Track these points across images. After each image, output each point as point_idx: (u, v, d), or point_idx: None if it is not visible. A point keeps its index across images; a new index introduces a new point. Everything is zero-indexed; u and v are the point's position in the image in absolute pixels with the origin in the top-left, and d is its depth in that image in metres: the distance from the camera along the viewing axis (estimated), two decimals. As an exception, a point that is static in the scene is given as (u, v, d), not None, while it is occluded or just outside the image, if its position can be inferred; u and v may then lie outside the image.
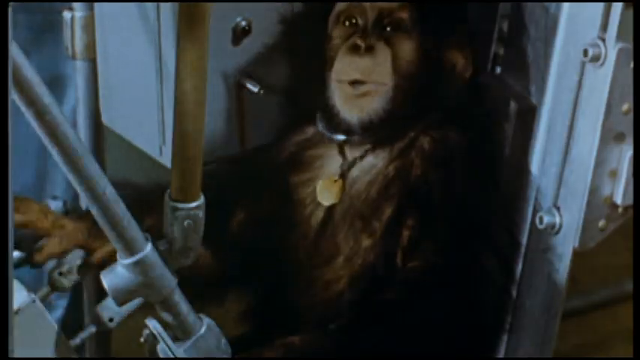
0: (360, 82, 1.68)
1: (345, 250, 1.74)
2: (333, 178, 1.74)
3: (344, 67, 1.68)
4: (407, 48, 1.70)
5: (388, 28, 1.69)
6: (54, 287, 1.76)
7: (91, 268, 1.76)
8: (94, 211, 1.39)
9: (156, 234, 1.48)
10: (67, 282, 1.76)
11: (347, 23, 1.72)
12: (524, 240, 1.79)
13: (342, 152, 1.76)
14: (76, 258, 1.76)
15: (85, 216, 1.74)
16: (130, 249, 1.44)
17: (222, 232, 1.81)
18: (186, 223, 1.48)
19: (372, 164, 1.73)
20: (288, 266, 1.80)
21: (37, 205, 1.73)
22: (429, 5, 1.70)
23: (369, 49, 1.67)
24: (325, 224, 1.76)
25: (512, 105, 1.75)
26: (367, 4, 1.69)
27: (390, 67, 1.68)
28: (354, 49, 1.67)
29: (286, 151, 1.82)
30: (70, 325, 2.12)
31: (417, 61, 1.70)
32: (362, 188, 1.73)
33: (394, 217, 1.69)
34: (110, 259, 1.67)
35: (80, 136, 1.38)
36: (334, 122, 1.73)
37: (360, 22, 1.71)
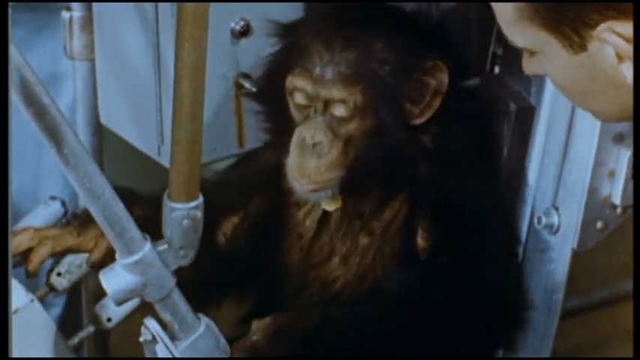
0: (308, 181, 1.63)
1: (341, 250, 1.74)
2: None
3: (293, 167, 1.63)
4: (357, 133, 1.62)
5: (335, 118, 1.61)
6: (52, 288, 1.76)
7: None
8: (93, 211, 1.39)
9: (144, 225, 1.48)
10: (65, 282, 1.76)
11: (298, 104, 1.65)
12: (522, 239, 1.79)
13: None
14: (74, 259, 1.76)
15: (73, 219, 1.73)
16: (129, 249, 1.44)
17: (217, 235, 1.82)
18: (184, 223, 1.48)
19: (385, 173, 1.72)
20: (285, 267, 1.80)
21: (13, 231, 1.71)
22: (378, 80, 1.61)
23: (316, 146, 1.61)
24: (322, 224, 1.76)
25: (512, 105, 1.75)
26: (312, 90, 1.61)
27: (337, 161, 1.62)
28: (303, 146, 1.61)
29: (281, 152, 1.81)
30: (68, 324, 2.12)
31: (371, 140, 1.62)
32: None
33: (400, 217, 1.69)
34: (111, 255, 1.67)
35: (79, 136, 1.37)
36: None
37: (309, 105, 1.64)
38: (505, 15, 1.30)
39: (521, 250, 1.80)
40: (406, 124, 1.63)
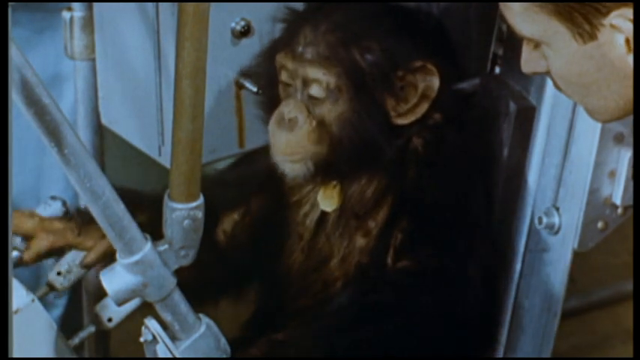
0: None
1: (340, 251, 1.74)
2: (332, 184, 1.74)
3: (272, 140, 1.68)
4: (332, 116, 1.65)
5: (312, 98, 1.65)
6: (52, 287, 1.76)
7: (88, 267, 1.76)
8: (94, 211, 1.39)
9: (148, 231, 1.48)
10: (65, 282, 1.76)
11: (282, 81, 1.69)
12: (521, 242, 1.79)
13: None
14: (74, 258, 1.76)
15: (77, 216, 1.75)
16: (130, 249, 1.44)
17: (217, 233, 1.82)
18: (185, 223, 1.48)
19: (367, 166, 1.72)
20: (287, 269, 1.80)
21: (20, 211, 1.73)
22: (355, 67, 1.63)
23: (291, 121, 1.65)
24: (320, 225, 1.76)
25: (512, 105, 1.75)
26: (292, 68, 1.65)
27: (307, 139, 1.65)
28: (280, 120, 1.66)
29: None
30: (69, 324, 2.12)
31: (346, 126, 1.65)
32: (358, 189, 1.73)
33: (389, 218, 1.69)
34: (105, 259, 1.68)
35: (79, 136, 1.37)
36: None
37: (291, 84, 1.68)
38: (514, 3, 1.29)
39: (521, 251, 1.80)
40: (386, 120, 1.65)
